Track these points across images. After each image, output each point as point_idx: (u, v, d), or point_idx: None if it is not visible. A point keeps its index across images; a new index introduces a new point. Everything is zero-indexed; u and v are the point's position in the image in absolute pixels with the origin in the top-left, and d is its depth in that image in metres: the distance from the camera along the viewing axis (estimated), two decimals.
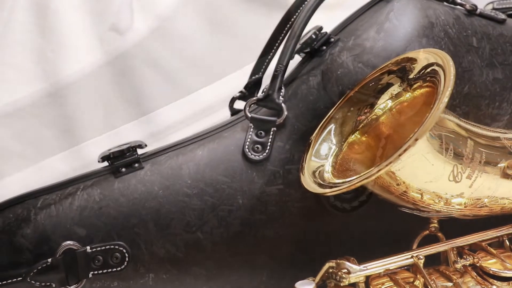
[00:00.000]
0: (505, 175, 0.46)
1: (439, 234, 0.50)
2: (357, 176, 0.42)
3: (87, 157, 0.91)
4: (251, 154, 0.54)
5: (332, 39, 0.57)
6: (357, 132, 0.51)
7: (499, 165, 0.46)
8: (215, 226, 0.52)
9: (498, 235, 0.48)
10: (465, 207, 0.46)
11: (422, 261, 0.45)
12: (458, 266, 0.46)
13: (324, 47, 0.57)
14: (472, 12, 0.60)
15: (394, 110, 0.50)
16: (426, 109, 0.49)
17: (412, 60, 0.45)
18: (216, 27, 1.02)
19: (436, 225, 0.49)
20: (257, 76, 0.63)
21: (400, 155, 0.39)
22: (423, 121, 0.39)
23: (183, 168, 0.53)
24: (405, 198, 0.46)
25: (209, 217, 0.52)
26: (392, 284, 0.44)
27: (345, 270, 0.43)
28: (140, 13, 0.99)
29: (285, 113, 0.55)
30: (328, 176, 0.48)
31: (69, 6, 0.96)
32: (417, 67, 0.45)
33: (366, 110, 0.50)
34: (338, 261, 0.43)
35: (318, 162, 0.50)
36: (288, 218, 0.54)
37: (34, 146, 0.93)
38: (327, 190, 0.44)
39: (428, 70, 0.44)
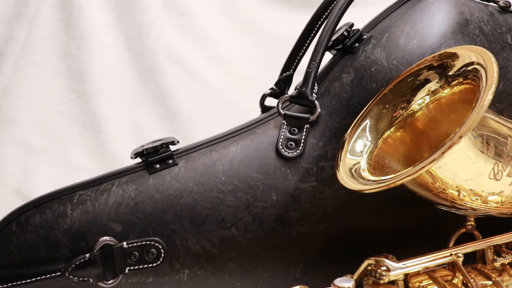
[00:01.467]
0: None
1: (476, 232, 0.49)
2: (399, 173, 0.42)
3: (112, 153, 0.91)
4: (285, 151, 0.54)
5: (365, 36, 0.57)
6: (393, 128, 0.51)
7: None
8: (249, 222, 0.52)
9: None
10: (502, 205, 0.46)
11: (461, 259, 0.45)
12: (497, 264, 0.46)
13: (357, 44, 0.57)
14: (505, 9, 0.59)
15: (431, 106, 0.49)
16: (464, 106, 0.49)
17: (454, 57, 0.45)
18: (240, 24, 1.02)
19: (473, 223, 0.49)
20: (288, 73, 0.63)
21: (444, 152, 0.39)
22: (467, 118, 0.39)
23: (217, 164, 0.54)
24: (443, 196, 0.45)
25: (244, 214, 0.52)
26: (431, 282, 0.44)
27: (385, 268, 0.43)
28: (164, 10, 0.99)
29: (318, 110, 0.55)
30: (365, 173, 0.47)
31: (94, 3, 0.97)
32: (458, 63, 0.45)
33: (402, 105, 0.50)
34: (377, 258, 0.43)
35: (354, 159, 0.50)
36: (322, 215, 0.54)
37: (59, 142, 0.94)
38: (366, 187, 0.44)
39: (470, 68, 0.44)
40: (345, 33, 0.58)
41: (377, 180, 0.45)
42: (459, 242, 0.50)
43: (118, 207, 0.51)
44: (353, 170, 0.47)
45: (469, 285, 0.43)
